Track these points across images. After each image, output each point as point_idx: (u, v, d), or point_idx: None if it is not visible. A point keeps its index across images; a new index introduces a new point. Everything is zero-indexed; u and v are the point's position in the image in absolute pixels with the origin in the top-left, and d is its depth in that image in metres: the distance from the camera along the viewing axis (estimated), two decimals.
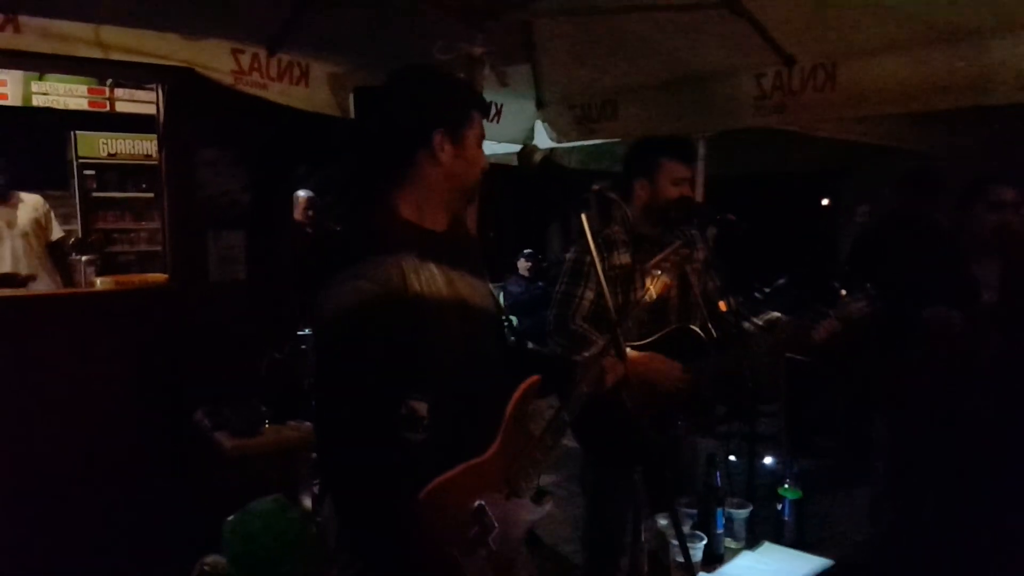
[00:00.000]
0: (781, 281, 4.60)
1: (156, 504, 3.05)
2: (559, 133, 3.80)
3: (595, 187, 1.37)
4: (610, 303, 1.49)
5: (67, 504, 3.08)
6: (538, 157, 1.31)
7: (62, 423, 3.14)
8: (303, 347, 3.09)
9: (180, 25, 2.82)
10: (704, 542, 1.71)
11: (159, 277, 3.86)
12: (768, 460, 4.19)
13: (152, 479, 3.19)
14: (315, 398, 1.49)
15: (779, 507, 1.93)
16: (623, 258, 2.23)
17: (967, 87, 2.33)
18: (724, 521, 1.82)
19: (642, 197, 2.24)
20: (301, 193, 4.75)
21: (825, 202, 8.32)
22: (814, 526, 3.30)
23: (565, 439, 1.58)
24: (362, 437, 1.26)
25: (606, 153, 4.74)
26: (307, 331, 3.17)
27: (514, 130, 3.77)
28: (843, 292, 2.04)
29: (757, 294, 4.43)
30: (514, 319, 5.97)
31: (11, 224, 4.13)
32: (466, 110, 1.43)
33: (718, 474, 1.81)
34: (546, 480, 1.82)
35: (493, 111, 3.58)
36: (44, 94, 4.89)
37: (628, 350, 1.84)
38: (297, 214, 4.67)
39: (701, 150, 3.83)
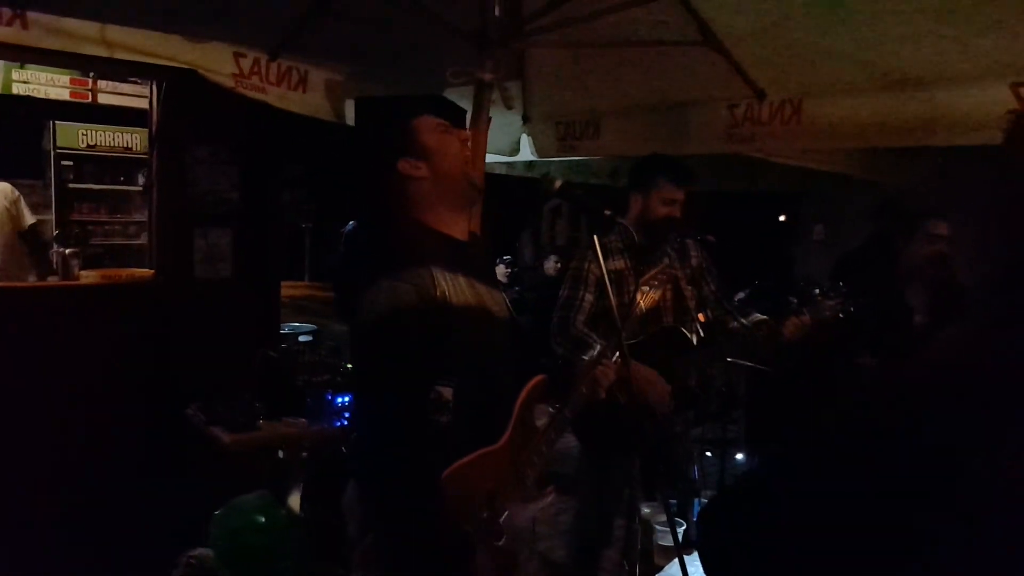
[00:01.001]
0: (741, 295, 4.87)
1: (147, 498, 3.07)
2: (540, 149, 3.89)
3: (607, 212, 1.57)
4: (615, 312, 1.69)
5: (55, 498, 3.09)
6: (558, 184, 1.50)
7: (49, 415, 3.14)
8: (296, 346, 3.18)
9: (184, 27, 2.89)
10: (684, 527, 1.91)
11: (145, 272, 3.90)
12: (739, 456, 4.50)
13: (143, 474, 3.22)
14: (356, 383, 1.67)
15: None
16: (617, 263, 2.52)
17: (914, 128, 2.57)
18: (699, 510, 2.01)
19: (635, 210, 2.53)
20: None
21: (782, 218, 8.74)
22: None
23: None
24: (398, 416, 1.43)
25: (583, 168, 5.00)
26: (288, 329, 3.23)
27: (501, 142, 3.84)
28: (816, 292, 2.28)
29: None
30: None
31: None
32: (411, 129, 1.54)
33: (696, 468, 2.02)
34: None
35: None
36: (25, 82, 4.77)
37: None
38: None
39: None
